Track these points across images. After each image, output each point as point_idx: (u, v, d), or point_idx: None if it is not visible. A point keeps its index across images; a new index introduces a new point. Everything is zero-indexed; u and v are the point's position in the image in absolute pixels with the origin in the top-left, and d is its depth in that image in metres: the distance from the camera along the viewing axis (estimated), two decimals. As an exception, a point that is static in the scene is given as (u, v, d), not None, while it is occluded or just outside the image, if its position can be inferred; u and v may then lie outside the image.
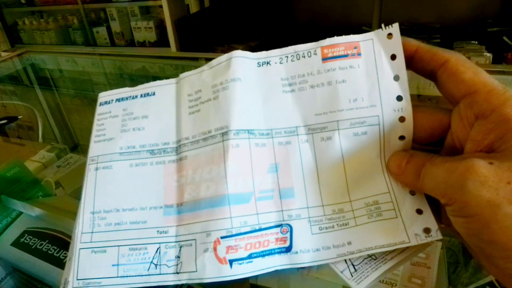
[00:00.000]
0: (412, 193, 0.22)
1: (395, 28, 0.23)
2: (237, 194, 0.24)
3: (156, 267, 0.24)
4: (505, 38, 1.54)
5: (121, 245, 0.25)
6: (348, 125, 0.24)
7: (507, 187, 0.16)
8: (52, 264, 0.39)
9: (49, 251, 0.40)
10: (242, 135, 0.25)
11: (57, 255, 0.40)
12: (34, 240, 0.42)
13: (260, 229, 0.24)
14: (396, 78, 0.23)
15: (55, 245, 0.41)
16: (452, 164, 0.18)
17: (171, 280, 0.24)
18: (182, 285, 0.36)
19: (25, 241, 0.42)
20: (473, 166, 0.17)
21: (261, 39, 2.15)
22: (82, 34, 2.64)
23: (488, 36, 1.61)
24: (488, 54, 1.47)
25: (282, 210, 0.24)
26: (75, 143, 1.46)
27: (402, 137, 0.23)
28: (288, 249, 0.23)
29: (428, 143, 0.22)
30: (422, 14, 1.92)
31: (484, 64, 1.39)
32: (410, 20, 1.89)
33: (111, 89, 0.31)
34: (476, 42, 1.57)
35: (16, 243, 0.42)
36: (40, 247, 0.41)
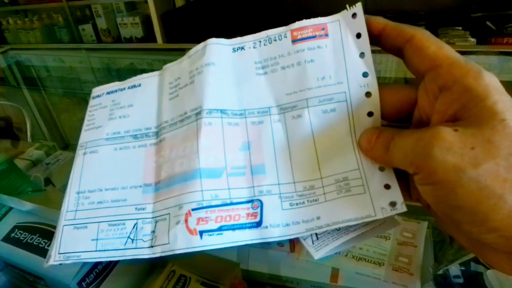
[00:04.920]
0: (382, 169, 0.23)
1: (358, 8, 0.24)
2: (208, 168, 0.25)
3: (132, 241, 0.26)
4: (488, 23, 1.55)
5: (101, 221, 0.27)
6: (317, 102, 0.25)
7: (471, 152, 0.17)
8: (44, 257, 0.39)
9: (40, 245, 0.40)
10: (214, 114, 0.26)
11: (48, 248, 0.40)
12: (25, 235, 0.42)
13: (231, 203, 0.25)
14: (362, 55, 0.24)
15: (46, 238, 0.41)
16: (419, 133, 0.19)
17: (146, 253, 0.25)
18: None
19: (16, 236, 0.42)
20: (439, 133, 0.18)
21: (247, 33, 2.14)
22: (68, 32, 2.61)
23: (472, 22, 1.63)
24: (472, 39, 1.48)
25: (253, 186, 0.25)
26: (66, 143, 1.45)
27: (370, 113, 0.23)
28: (258, 224, 0.24)
29: (397, 119, 0.23)
30: (407, 1, 1.92)
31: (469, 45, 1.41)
32: (396, 8, 1.90)
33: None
34: (461, 28, 1.59)
35: (7, 238, 0.42)
36: (31, 241, 0.41)
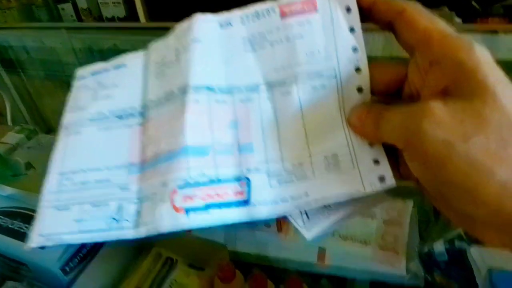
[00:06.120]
0: (371, 144, 0.22)
1: None
2: (195, 146, 0.24)
3: (116, 222, 0.25)
4: (473, 3, 1.55)
5: (84, 202, 0.26)
6: (306, 78, 0.24)
7: (461, 126, 0.17)
8: (25, 242, 0.38)
9: (21, 230, 0.39)
10: (201, 91, 0.25)
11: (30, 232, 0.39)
12: (5, 220, 0.41)
13: (219, 181, 0.24)
14: (352, 30, 0.23)
15: (27, 223, 0.40)
16: (408, 109, 0.18)
17: (131, 234, 0.24)
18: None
19: (-4, 221, 0.41)
20: (429, 108, 0.17)
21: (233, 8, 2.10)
22: (47, 11, 2.51)
23: (458, 2, 1.62)
24: (458, 20, 1.48)
25: (241, 164, 0.25)
26: (48, 126, 1.42)
27: (360, 89, 0.23)
28: (246, 202, 0.24)
29: (387, 95, 0.23)
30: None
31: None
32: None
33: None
34: (447, 8, 1.58)
35: (-13, 224, 0.41)
36: (12, 226, 0.40)
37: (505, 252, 0.43)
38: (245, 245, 0.45)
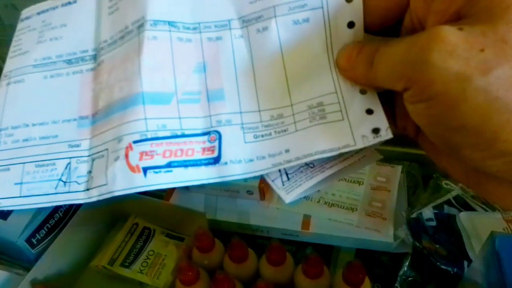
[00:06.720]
0: (363, 92, 0.19)
1: None
2: (153, 92, 0.21)
3: (65, 184, 0.22)
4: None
5: (26, 162, 0.24)
6: (287, 10, 0.21)
7: (480, 55, 0.13)
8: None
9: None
10: (161, 26, 0.22)
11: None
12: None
13: (183, 135, 0.21)
14: None
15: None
16: (412, 38, 0.15)
17: (81, 198, 0.22)
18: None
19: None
20: (439, 34, 0.14)
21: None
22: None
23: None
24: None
25: (210, 115, 0.22)
26: None
27: (351, 24, 0.19)
28: (216, 160, 0.21)
29: (382, 30, 0.19)
30: None
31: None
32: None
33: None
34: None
35: None
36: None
37: (495, 216, 0.42)
38: (226, 214, 0.43)
